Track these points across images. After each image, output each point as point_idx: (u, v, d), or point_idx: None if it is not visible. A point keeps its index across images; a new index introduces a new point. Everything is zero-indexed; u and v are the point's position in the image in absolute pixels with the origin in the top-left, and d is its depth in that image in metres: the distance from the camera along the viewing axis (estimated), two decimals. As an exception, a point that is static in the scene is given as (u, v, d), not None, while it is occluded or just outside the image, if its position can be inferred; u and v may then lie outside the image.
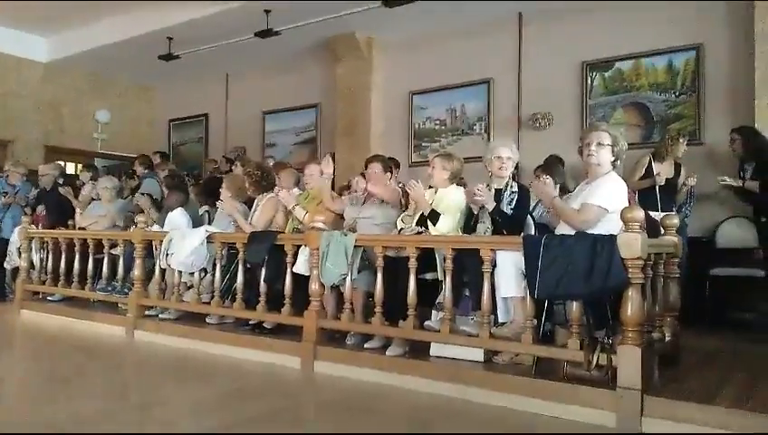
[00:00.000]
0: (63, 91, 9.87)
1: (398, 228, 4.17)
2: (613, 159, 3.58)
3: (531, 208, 4.23)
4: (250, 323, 4.76)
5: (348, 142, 8.06)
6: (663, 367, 3.29)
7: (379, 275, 3.91)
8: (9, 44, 9.08)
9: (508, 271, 3.47)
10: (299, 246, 4.40)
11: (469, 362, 3.62)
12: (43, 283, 6.39)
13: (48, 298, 6.45)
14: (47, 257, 6.39)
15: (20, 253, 6.58)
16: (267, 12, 7.17)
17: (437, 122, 7.74)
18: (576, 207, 3.55)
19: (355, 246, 4.04)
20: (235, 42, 8.10)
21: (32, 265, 6.52)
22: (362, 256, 4.11)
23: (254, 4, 6.99)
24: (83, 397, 3.54)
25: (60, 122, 9.87)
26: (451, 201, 4.11)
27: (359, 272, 4.11)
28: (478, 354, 3.62)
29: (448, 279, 3.64)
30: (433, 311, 3.91)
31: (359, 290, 4.17)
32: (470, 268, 3.64)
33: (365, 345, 4.06)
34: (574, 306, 3.23)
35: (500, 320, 3.60)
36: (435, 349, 3.77)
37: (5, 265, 7.07)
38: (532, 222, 4.08)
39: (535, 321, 3.41)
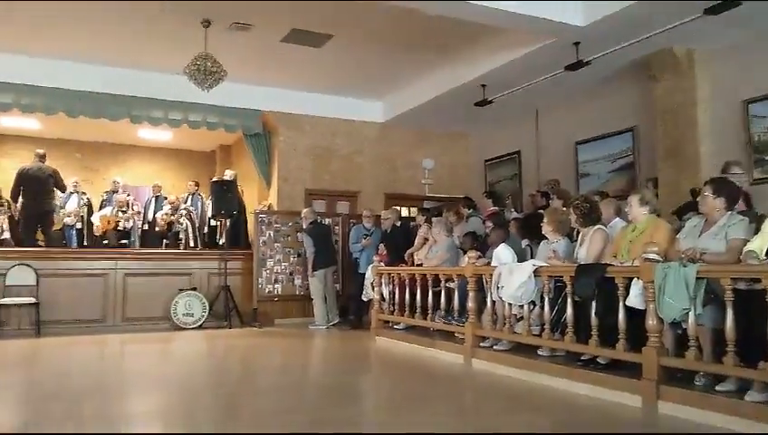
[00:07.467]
0: (395, 146, 11.39)
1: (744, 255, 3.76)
2: None
3: None
4: (582, 357, 4.76)
5: (672, 165, 7.51)
6: None
7: (729, 311, 3.56)
8: (353, 112, 10.94)
9: None
10: (631, 279, 4.27)
11: None
12: (392, 313, 7.37)
13: (394, 326, 7.40)
14: (394, 290, 7.36)
15: (373, 287, 7.72)
16: (576, 44, 7.22)
17: (785, 131, 6.72)
18: None
19: (698, 278, 3.76)
20: (545, 78, 8.34)
21: (382, 298, 7.58)
22: (707, 289, 3.79)
23: (563, 40, 7.12)
24: (430, 415, 3.99)
25: (394, 173, 11.39)
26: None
27: (703, 306, 3.80)
28: None
29: (823, 316, 3.14)
30: (803, 353, 3.39)
31: (704, 327, 3.84)
32: None
33: (716, 387, 3.72)
34: None
35: None
36: (810, 397, 3.27)
37: (363, 296, 8.40)
38: None
39: None
